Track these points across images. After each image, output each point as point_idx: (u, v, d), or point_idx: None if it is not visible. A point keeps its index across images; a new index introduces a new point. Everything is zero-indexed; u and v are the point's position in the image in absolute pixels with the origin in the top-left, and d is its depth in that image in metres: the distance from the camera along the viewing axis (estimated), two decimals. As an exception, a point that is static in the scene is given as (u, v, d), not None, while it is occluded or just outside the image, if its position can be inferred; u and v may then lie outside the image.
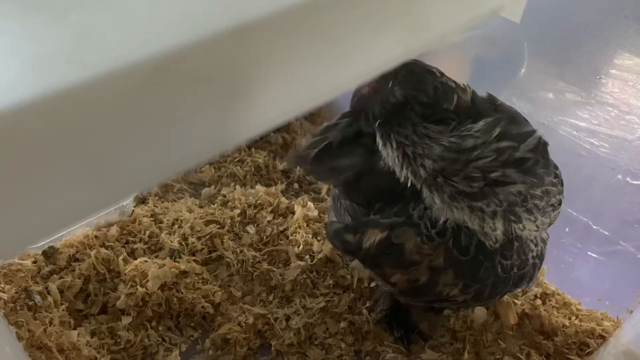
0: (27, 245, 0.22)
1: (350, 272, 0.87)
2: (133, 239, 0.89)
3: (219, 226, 0.92)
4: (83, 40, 0.20)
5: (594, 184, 0.84)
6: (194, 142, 0.24)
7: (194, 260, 0.87)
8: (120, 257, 0.84)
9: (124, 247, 0.87)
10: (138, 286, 0.80)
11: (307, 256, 0.89)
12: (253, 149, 1.09)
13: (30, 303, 0.76)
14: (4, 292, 0.76)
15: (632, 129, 0.79)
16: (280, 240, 0.92)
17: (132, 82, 0.20)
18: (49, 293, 0.78)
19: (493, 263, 0.61)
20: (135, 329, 0.78)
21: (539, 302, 0.83)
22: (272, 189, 0.99)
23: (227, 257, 0.88)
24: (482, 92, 0.62)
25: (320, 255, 0.88)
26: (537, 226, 0.62)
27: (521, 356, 0.77)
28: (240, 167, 1.05)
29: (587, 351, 0.78)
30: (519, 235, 0.61)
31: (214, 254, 0.89)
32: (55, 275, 0.81)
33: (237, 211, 0.94)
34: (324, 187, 1.03)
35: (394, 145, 0.59)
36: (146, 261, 0.84)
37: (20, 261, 0.81)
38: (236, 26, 0.22)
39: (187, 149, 0.24)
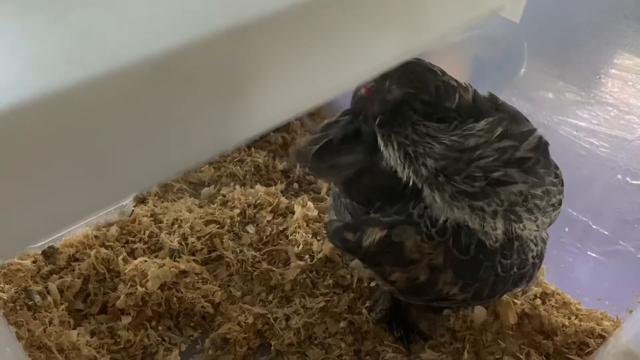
0: (27, 245, 0.22)
1: (350, 271, 0.87)
2: (133, 238, 0.89)
3: (218, 226, 0.92)
4: (83, 40, 0.20)
5: (593, 184, 0.84)
6: (193, 141, 0.24)
7: (194, 260, 0.87)
8: (120, 257, 0.84)
9: (123, 246, 0.87)
10: (138, 286, 0.80)
11: (307, 256, 0.89)
12: (253, 149, 1.09)
13: (30, 303, 0.76)
14: (3, 292, 0.76)
15: (632, 129, 0.79)
16: (280, 240, 0.92)
17: (131, 82, 0.20)
18: (48, 293, 0.78)
19: (493, 262, 0.61)
20: (135, 329, 0.78)
21: (538, 301, 0.83)
22: (272, 189, 0.99)
23: (227, 257, 0.88)
24: (482, 92, 0.62)
25: (320, 255, 0.88)
26: (537, 226, 0.62)
27: (521, 356, 0.77)
28: (240, 166, 1.05)
29: (586, 351, 0.78)
30: (519, 235, 0.61)
31: (213, 254, 0.89)
32: (55, 275, 0.81)
33: (237, 211, 0.94)
34: (324, 187, 1.03)
35: (395, 146, 0.59)
36: (146, 261, 0.84)
37: (19, 261, 0.81)
38: (236, 26, 0.22)
39: (187, 148, 0.24)
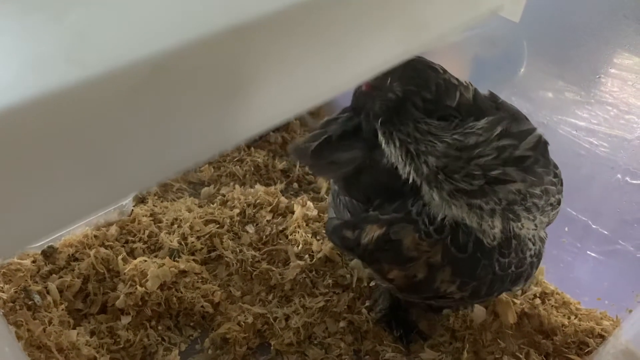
0: (27, 244, 0.22)
1: (350, 271, 0.87)
2: (132, 238, 0.89)
3: (218, 226, 0.92)
4: (82, 40, 0.20)
5: (593, 184, 0.84)
6: (193, 141, 0.24)
7: (194, 260, 0.87)
8: (120, 257, 0.84)
9: (123, 246, 0.87)
10: (137, 286, 0.80)
11: (307, 255, 0.89)
12: (252, 149, 1.09)
13: (30, 303, 0.76)
14: (3, 292, 0.76)
15: (632, 128, 0.79)
16: (280, 239, 0.92)
17: (131, 82, 0.20)
18: (48, 293, 0.78)
19: (491, 261, 0.61)
20: (134, 329, 0.78)
21: (538, 301, 0.83)
22: (272, 189, 0.99)
23: (227, 257, 0.88)
24: (482, 91, 0.62)
25: (319, 255, 0.88)
26: (535, 225, 0.62)
27: (520, 355, 0.77)
28: (240, 166, 1.05)
29: (586, 350, 0.78)
30: (517, 234, 0.61)
31: (213, 254, 0.89)
32: (54, 275, 0.81)
33: (237, 211, 0.94)
34: (324, 187, 1.03)
35: (397, 143, 0.59)
36: (145, 261, 0.84)
37: (19, 261, 0.81)
38: (235, 25, 0.22)
39: (187, 148, 0.24)
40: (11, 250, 0.24)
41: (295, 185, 1.05)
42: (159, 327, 0.80)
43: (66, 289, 0.80)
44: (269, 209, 0.96)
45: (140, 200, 0.97)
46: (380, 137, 0.61)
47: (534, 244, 0.64)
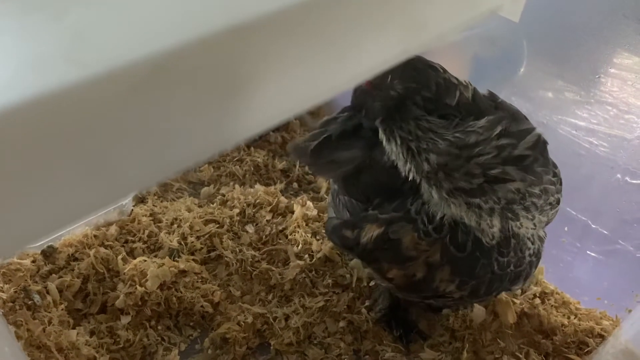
0: (26, 244, 0.22)
1: (350, 271, 0.87)
2: (132, 238, 0.89)
3: (218, 225, 0.92)
4: (82, 40, 0.20)
5: (593, 183, 0.84)
6: (193, 141, 0.24)
7: (193, 260, 0.87)
8: (120, 257, 0.84)
9: (123, 246, 0.87)
10: (137, 285, 0.80)
11: (306, 255, 0.89)
12: (252, 148, 1.09)
13: (29, 302, 0.76)
14: (3, 292, 0.76)
15: (631, 128, 0.79)
16: (280, 239, 0.92)
17: (130, 81, 0.20)
18: (48, 292, 0.78)
19: (490, 260, 0.61)
20: (134, 329, 0.78)
21: (538, 301, 0.83)
22: (271, 188, 0.99)
23: (226, 257, 0.88)
24: (482, 90, 0.62)
25: (319, 255, 0.88)
26: (534, 224, 0.62)
27: (520, 355, 0.77)
28: (240, 166, 1.05)
29: (586, 350, 0.78)
30: (516, 233, 0.61)
31: (213, 254, 0.89)
32: (54, 275, 0.81)
33: (236, 210, 0.94)
34: (323, 186, 1.03)
35: (398, 141, 0.59)
36: (145, 260, 0.84)
37: (19, 260, 0.81)
38: (235, 25, 0.22)
39: (186, 148, 0.24)
40: (11, 250, 0.24)
41: (295, 185, 1.05)
42: (159, 327, 0.80)
43: (66, 288, 0.80)
44: (268, 208, 0.96)
45: (140, 200, 0.97)
46: (381, 135, 0.61)
47: (533, 243, 0.64)
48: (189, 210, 0.94)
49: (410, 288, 0.66)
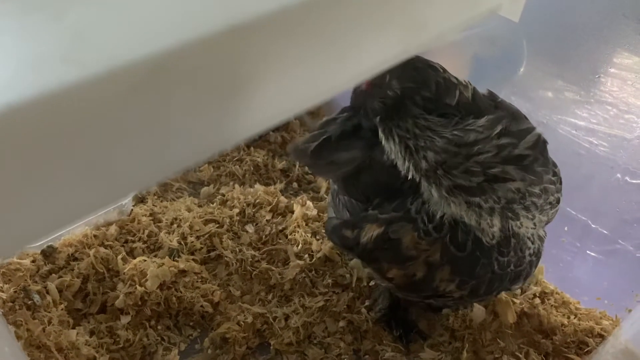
0: (26, 244, 0.22)
1: (350, 271, 0.87)
2: (132, 238, 0.89)
3: (218, 225, 0.92)
4: (81, 40, 0.20)
5: (592, 183, 0.84)
6: (192, 141, 0.24)
7: (193, 260, 0.87)
8: (119, 257, 0.84)
9: (122, 246, 0.87)
10: (137, 285, 0.80)
11: (306, 255, 0.89)
12: (252, 148, 1.09)
13: (29, 302, 0.76)
14: (2, 292, 0.76)
15: (631, 128, 0.79)
16: (279, 239, 0.92)
17: (130, 81, 0.20)
18: (47, 292, 0.78)
19: (490, 259, 0.61)
20: (134, 328, 0.78)
21: (537, 301, 0.83)
22: (271, 188, 0.99)
23: (226, 256, 0.88)
24: (482, 90, 0.62)
25: (319, 255, 0.88)
26: (534, 224, 0.62)
27: (520, 355, 0.77)
28: (239, 166, 1.05)
29: (585, 350, 0.78)
30: (516, 232, 0.61)
31: (212, 253, 0.89)
32: (54, 275, 0.81)
33: (236, 210, 0.94)
34: (323, 186, 1.03)
35: (396, 139, 0.59)
36: (145, 260, 0.84)
37: (19, 260, 0.81)
38: (235, 25, 0.22)
39: (186, 147, 0.24)
40: (11, 250, 0.24)
41: (295, 184, 1.05)
42: (159, 327, 0.80)
43: (66, 288, 0.80)
44: (268, 208, 0.96)
45: (140, 199, 0.97)
46: (380, 134, 0.61)
47: (533, 243, 0.64)
48: (189, 210, 0.94)
49: (410, 288, 0.66)
